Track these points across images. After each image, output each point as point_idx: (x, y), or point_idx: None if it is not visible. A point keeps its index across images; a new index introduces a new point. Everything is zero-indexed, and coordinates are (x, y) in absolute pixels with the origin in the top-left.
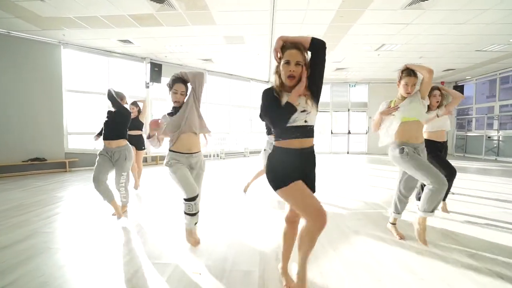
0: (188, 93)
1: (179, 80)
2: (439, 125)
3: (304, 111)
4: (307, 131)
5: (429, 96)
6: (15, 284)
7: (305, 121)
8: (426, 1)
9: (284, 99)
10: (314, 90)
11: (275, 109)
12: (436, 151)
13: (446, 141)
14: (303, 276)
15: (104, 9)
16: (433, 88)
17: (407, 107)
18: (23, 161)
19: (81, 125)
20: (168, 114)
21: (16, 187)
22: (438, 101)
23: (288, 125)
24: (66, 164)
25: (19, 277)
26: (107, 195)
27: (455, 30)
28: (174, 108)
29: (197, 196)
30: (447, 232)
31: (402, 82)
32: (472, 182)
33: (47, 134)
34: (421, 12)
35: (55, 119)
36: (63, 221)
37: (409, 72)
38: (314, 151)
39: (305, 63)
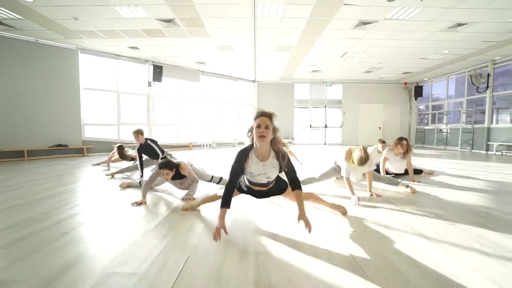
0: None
1: (165, 167)
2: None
3: (268, 178)
4: (267, 183)
5: (397, 144)
6: (82, 198)
7: (267, 181)
8: (367, 24)
9: (253, 162)
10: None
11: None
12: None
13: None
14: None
15: (122, 25)
16: (401, 138)
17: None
18: (49, 147)
19: (95, 117)
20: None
21: (54, 164)
22: (404, 150)
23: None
24: (84, 150)
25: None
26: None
27: (398, 44)
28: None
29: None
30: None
31: (357, 157)
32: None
33: (67, 124)
34: (366, 32)
35: (73, 112)
36: (93, 182)
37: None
38: (272, 187)
39: (273, 127)
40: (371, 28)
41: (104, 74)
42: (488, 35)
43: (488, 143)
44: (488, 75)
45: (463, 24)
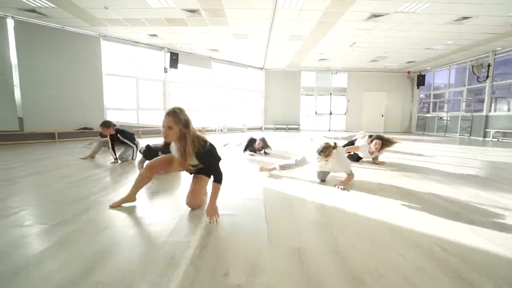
0: None
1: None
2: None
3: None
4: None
5: (370, 143)
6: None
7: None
8: (379, 17)
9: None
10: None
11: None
12: None
13: None
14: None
15: (148, 14)
16: (377, 137)
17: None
18: (76, 129)
19: (117, 102)
20: None
21: (87, 146)
22: (377, 149)
23: None
24: None
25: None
26: None
27: (405, 35)
28: None
29: None
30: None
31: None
32: (429, 147)
33: (91, 109)
34: (377, 24)
35: (97, 97)
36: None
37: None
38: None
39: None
40: (382, 20)
41: (123, 60)
42: (490, 27)
43: (485, 130)
44: (489, 65)
45: (467, 18)
